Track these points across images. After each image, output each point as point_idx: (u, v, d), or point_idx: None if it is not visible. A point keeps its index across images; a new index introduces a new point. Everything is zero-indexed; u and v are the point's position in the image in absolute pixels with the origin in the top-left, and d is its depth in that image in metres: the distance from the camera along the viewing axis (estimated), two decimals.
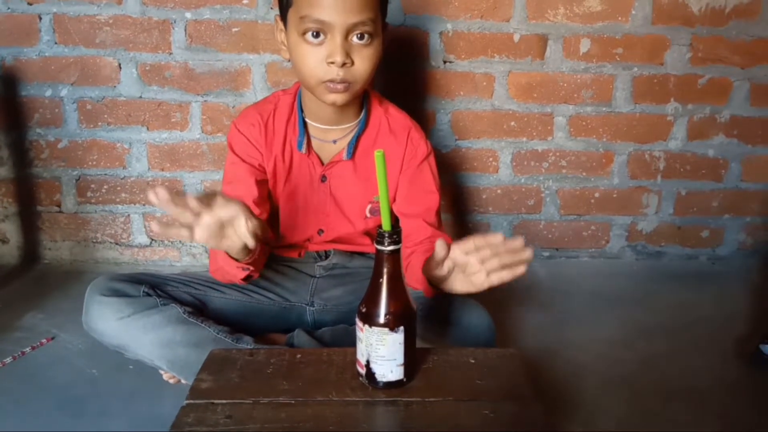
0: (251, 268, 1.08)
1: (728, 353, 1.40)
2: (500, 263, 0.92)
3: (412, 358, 0.84)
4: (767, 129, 1.80)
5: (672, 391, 1.26)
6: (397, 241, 0.80)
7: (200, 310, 1.21)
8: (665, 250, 1.89)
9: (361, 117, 1.23)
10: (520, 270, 0.94)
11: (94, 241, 1.78)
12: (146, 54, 1.65)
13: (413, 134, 1.26)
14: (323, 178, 1.24)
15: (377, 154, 0.78)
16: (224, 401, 0.81)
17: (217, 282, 1.25)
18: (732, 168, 1.82)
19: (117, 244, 1.79)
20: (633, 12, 1.68)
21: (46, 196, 1.74)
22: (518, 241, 0.93)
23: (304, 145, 1.21)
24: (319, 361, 0.90)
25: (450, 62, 1.70)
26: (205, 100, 1.69)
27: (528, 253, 0.93)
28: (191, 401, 0.81)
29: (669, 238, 1.88)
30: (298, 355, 0.92)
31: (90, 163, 1.72)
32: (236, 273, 1.10)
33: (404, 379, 0.83)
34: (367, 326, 0.81)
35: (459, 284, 0.97)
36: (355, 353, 0.84)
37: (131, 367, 1.27)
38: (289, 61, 1.16)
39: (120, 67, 1.66)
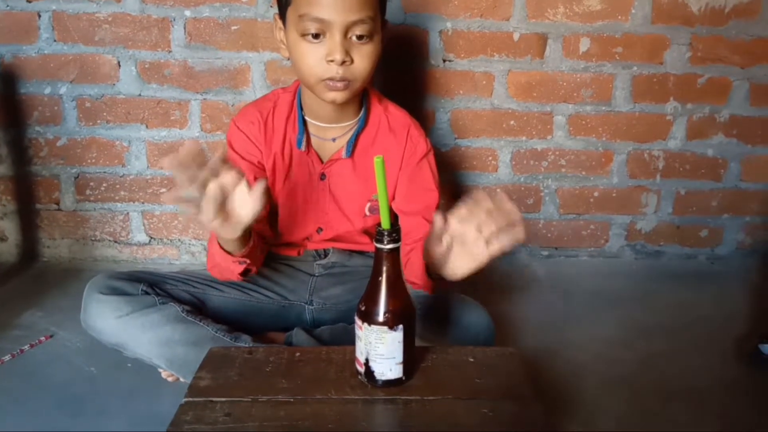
0: (247, 261, 1.09)
1: (727, 353, 1.40)
2: (497, 226, 0.85)
3: (411, 357, 0.84)
4: (767, 129, 1.80)
5: (671, 390, 1.26)
6: (397, 240, 0.80)
7: (199, 309, 1.21)
8: (664, 249, 1.89)
9: (360, 115, 1.23)
10: (520, 234, 0.86)
11: (93, 239, 1.78)
12: (145, 52, 1.65)
13: (412, 132, 1.26)
14: (322, 176, 1.24)
15: (376, 160, 0.79)
16: (223, 399, 0.81)
17: (216, 280, 1.25)
18: (731, 168, 1.82)
19: (116, 242, 1.78)
20: (633, 11, 1.68)
21: (45, 193, 1.74)
22: (507, 203, 0.86)
23: (304, 143, 1.21)
24: (318, 360, 0.90)
25: (450, 61, 1.70)
26: (204, 98, 1.69)
27: (518, 214, 0.86)
28: (190, 399, 0.81)
29: (668, 237, 1.88)
30: (297, 354, 0.92)
31: (89, 161, 1.72)
32: (233, 268, 1.10)
33: (403, 378, 0.83)
34: (366, 324, 0.81)
35: (459, 260, 0.90)
36: (354, 352, 0.84)
37: (130, 365, 1.27)
38: (288, 59, 1.16)
39: (119, 65, 1.66)
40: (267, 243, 1.25)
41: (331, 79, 1.09)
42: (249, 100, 1.53)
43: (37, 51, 1.64)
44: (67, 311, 1.48)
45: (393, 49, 1.60)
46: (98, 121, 1.69)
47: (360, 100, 1.23)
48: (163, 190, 1.74)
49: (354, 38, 1.08)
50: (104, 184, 1.74)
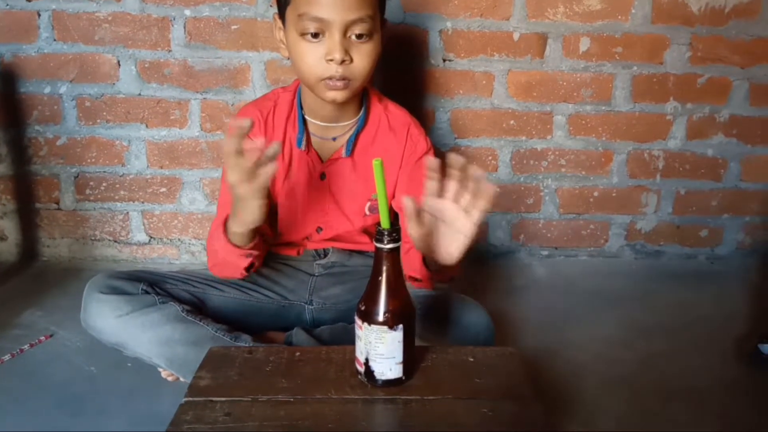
0: (254, 253, 1.10)
1: (727, 353, 1.40)
2: (471, 193, 0.86)
3: (411, 357, 0.84)
4: (766, 129, 1.80)
5: (671, 390, 1.26)
6: (397, 239, 0.80)
7: (199, 308, 1.21)
8: (664, 249, 1.89)
9: (360, 114, 1.23)
10: (490, 190, 0.86)
11: (93, 238, 1.78)
12: (145, 51, 1.65)
13: (412, 130, 1.26)
14: (322, 176, 1.24)
15: (375, 162, 0.79)
16: (223, 399, 0.81)
17: (216, 280, 1.25)
18: (731, 167, 1.82)
19: (116, 241, 1.78)
20: (633, 11, 1.68)
21: (44, 193, 1.74)
22: (468, 165, 0.86)
23: (304, 143, 1.21)
24: (318, 359, 0.90)
25: (449, 61, 1.70)
26: (204, 98, 1.68)
27: (480, 171, 0.86)
28: (190, 399, 0.81)
29: (668, 237, 1.88)
30: (297, 353, 0.92)
31: (89, 160, 1.72)
32: (239, 262, 1.11)
33: (403, 378, 0.83)
34: (366, 324, 0.81)
35: (449, 240, 0.90)
36: (354, 351, 0.84)
37: (130, 364, 1.27)
38: (288, 59, 1.16)
39: (119, 65, 1.66)
40: (267, 242, 1.25)
41: (330, 78, 1.09)
42: (249, 100, 1.53)
43: (37, 50, 1.63)
44: (66, 311, 1.48)
45: (393, 49, 1.60)
46: (98, 121, 1.69)
47: (360, 99, 1.23)
48: (163, 189, 1.74)
49: (353, 37, 1.08)
50: (104, 184, 1.74)
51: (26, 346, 1.35)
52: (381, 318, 0.80)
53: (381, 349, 0.81)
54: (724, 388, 1.28)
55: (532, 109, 1.75)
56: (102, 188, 1.74)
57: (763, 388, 1.28)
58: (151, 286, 1.18)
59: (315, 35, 1.07)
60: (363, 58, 1.10)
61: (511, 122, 1.76)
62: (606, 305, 1.61)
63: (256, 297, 1.26)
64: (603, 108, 1.76)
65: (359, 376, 0.84)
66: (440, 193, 0.88)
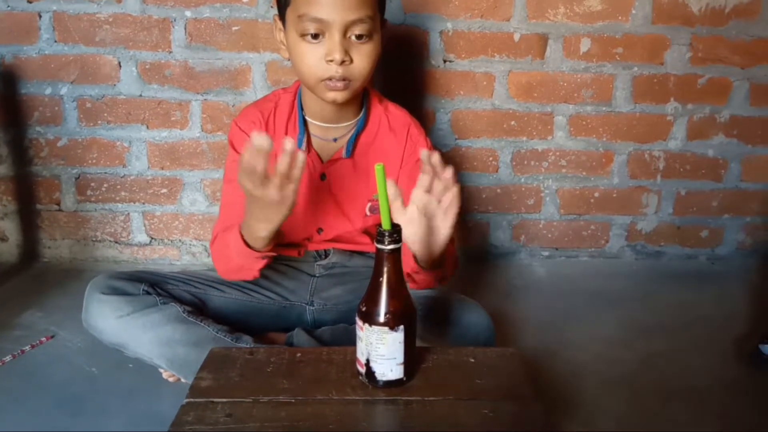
0: (272, 254, 1.09)
1: (727, 353, 1.40)
2: (451, 195, 0.92)
3: (411, 357, 0.84)
4: (767, 129, 1.80)
5: (671, 390, 1.27)
6: (398, 240, 0.81)
7: (200, 309, 1.21)
8: (665, 249, 1.89)
9: (360, 115, 1.23)
10: (456, 192, 0.93)
11: (94, 239, 1.78)
12: (146, 52, 1.65)
13: (413, 131, 1.26)
14: (323, 177, 1.24)
15: (377, 167, 0.80)
16: (224, 400, 0.81)
17: (217, 281, 1.25)
18: (731, 168, 1.82)
19: (116, 242, 1.79)
20: (633, 12, 1.68)
21: (45, 194, 1.74)
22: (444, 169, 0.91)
23: (304, 143, 1.21)
24: (319, 360, 0.90)
25: (450, 61, 1.70)
26: (205, 99, 1.69)
27: (450, 171, 0.92)
28: (191, 400, 0.81)
29: (668, 237, 1.88)
30: (298, 354, 0.92)
31: (90, 161, 1.72)
32: (256, 265, 1.10)
33: (404, 378, 0.83)
34: (367, 325, 0.81)
35: (432, 237, 0.96)
36: (354, 352, 0.84)
37: (131, 365, 1.27)
38: (288, 60, 1.16)
39: (120, 66, 1.66)
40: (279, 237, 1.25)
41: (330, 78, 1.09)
42: (250, 101, 1.53)
43: (38, 51, 1.64)
44: (67, 311, 1.48)
45: (393, 50, 1.61)
46: (99, 122, 1.69)
47: (360, 100, 1.23)
48: (164, 190, 1.74)
49: (353, 38, 1.08)
50: (105, 185, 1.74)
51: (27, 347, 1.35)
52: (382, 319, 0.80)
53: (382, 350, 0.81)
54: (724, 388, 1.28)
55: (533, 109, 1.75)
56: (103, 189, 1.74)
57: (763, 388, 1.28)
58: (152, 287, 1.19)
59: (315, 36, 1.08)
60: (363, 58, 1.10)
61: (512, 123, 1.76)
62: (606, 306, 1.61)
63: (257, 298, 1.27)
64: (603, 109, 1.76)
65: (360, 377, 0.84)
66: (428, 187, 0.93)
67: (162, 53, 1.65)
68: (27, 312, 1.51)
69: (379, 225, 0.81)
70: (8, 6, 1.60)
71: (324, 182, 1.24)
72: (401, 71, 1.71)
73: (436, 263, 1.02)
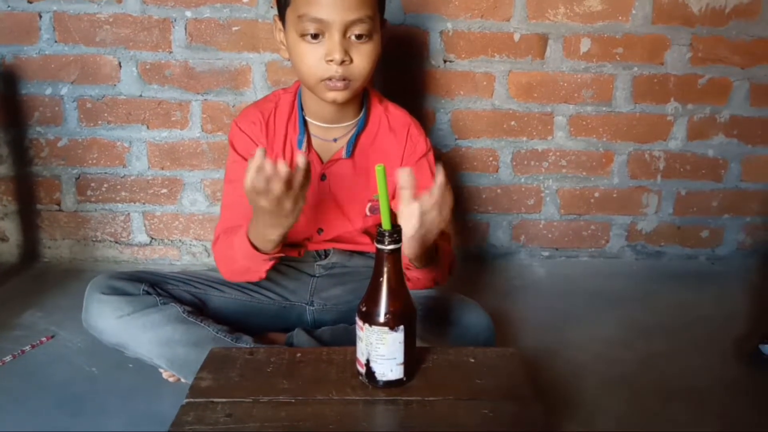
0: (280, 255, 1.10)
1: (728, 353, 1.40)
2: (448, 208, 0.96)
3: (411, 357, 0.84)
4: (767, 129, 1.80)
5: (671, 390, 1.27)
6: (398, 240, 0.81)
7: (200, 309, 1.21)
8: (665, 250, 1.89)
9: (360, 115, 1.23)
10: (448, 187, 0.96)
11: (94, 239, 1.78)
12: (146, 52, 1.65)
13: (412, 131, 1.26)
14: (323, 177, 1.24)
15: (378, 168, 0.80)
16: (224, 400, 0.81)
17: (217, 281, 1.25)
18: (732, 168, 1.82)
19: (117, 242, 1.79)
20: (633, 12, 1.68)
21: (45, 194, 1.74)
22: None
23: (304, 144, 1.21)
24: (319, 360, 0.90)
25: (450, 61, 1.70)
26: (205, 99, 1.69)
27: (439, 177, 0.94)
28: (191, 400, 0.81)
29: (669, 238, 1.88)
30: (298, 354, 0.92)
31: (90, 161, 1.72)
32: (263, 266, 1.11)
33: (404, 378, 0.84)
34: (367, 325, 0.81)
35: (416, 241, 0.97)
36: (354, 352, 0.85)
37: (131, 365, 1.27)
38: (288, 60, 1.16)
39: (120, 66, 1.66)
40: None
41: (330, 78, 1.09)
42: (250, 101, 1.53)
43: (38, 51, 1.64)
44: (67, 311, 1.48)
45: (393, 50, 1.61)
46: (99, 122, 1.69)
47: (360, 100, 1.23)
48: (164, 190, 1.74)
49: (353, 38, 1.08)
50: (105, 185, 1.74)
51: (27, 347, 1.35)
52: (382, 319, 0.80)
53: (382, 350, 0.81)
54: (724, 388, 1.28)
55: (533, 109, 1.75)
56: (103, 189, 1.74)
57: (763, 388, 1.28)
58: (153, 287, 1.19)
59: (315, 36, 1.08)
60: (363, 58, 1.10)
61: (512, 123, 1.76)
62: (606, 306, 1.61)
63: (257, 298, 1.27)
64: (604, 109, 1.76)
65: (360, 377, 0.84)
66: (435, 198, 0.93)
67: (162, 53, 1.65)
68: (27, 312, 1.51)
69: (379, 225, 0.81)
70: (8, 6, 1.60)
71: (324, 182, 1.24)
72: (401, 71, 1.71)
73: (426, 259, 1.02)
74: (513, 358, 0.92)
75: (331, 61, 1.07)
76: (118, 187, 1.74)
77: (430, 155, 1.27)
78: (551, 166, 1.80)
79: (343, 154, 1.22)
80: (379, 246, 0.81)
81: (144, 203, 1.75)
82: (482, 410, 0.80)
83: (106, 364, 1.29)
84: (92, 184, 1.74)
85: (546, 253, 1.88)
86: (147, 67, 1.66)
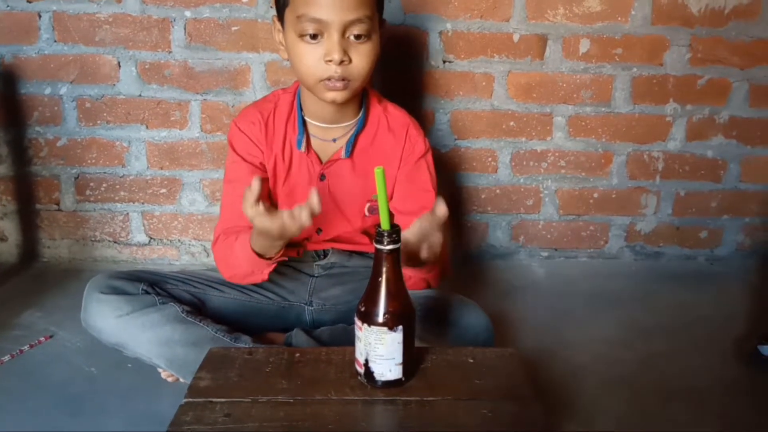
0: (283, 258, 1.10)
1: (727, 353, 1.40)
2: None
3: (410, 358, 0.84)
4: (766, 130, 1.80)
5: (671, 390, 1.27)
6: (397, 241, 0.81)
7: (199, 309, 1.21)
8: (664, 250, 1.89)
9: (360, 116, 1.23)
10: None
11: (93, 239, 1.78)
12: (146, 52, 1.65)
13: (411, 131, 1.26)
14: (322, 177, 1.24)
15: (377, 171, 0.80)
16: (223, 400, 0.81)
17: (216, 280, 1.25)
18: (731, 169, 1.82)
19: (116, 242, 1.79)
20: (632, 12, 1.68)
21: (45, 194, 1.74)
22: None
23: (304, 144, 1.21)
24: (318, 360, 0.90)
25: (449, 62, 1.70)
26: (204, 99, 1.69)
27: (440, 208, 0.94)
28: (190, 399, 0.81)
29: (668, 238, 1.88)
30: (297, 355, 0.92)
31: (89, 161, 1.72)
32: (266, 270, 1.11)
33: (403, 379, 0.84)
34: (366, 325, 0.81)
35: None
36: (353, 352, 0.85)
37: (130, 365, 1.27)
38: (287, 60, 1.16)
39: (119, 66, 1.66)
40: None
41: (329, 78, 1.09)
42: (249, 101, 1.53)
43: (38, 51, 1.64)
44: (66, 311, 1.48)
45: (393, 50, 1.61)
46: (98, 122, 1.69)
47: (359, 100, 1.23)
48: (163, 190, 1.74)
49: (352, 38, 1.08)
50: (104, 185, 1.74)
51: (26, 347, 1.35)
52: (381, 319, 0.80)
53: (381, 350, 0.81)
54: (724, 388, 1.28)
55: (532, 110, 1.75)
56: (102, 189, 1.74)
57: (763, 388, 1.28)
58: (152, 287, 1.19)
59: (314, 36, 1.08)
60: (362, 58, 1.10)
61: (511, 123, 1.76)
62: (606, 306, 1.61)
63: (256, 298, 1.27)
64: (603, 109, 1.76)
65: (359, 377, 0.84)
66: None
67: (161, 53, 1.65)
68: (26, 312, 1.51)
69: (378, 225, 0.81)
70: (8, 6, 1.60)
71: (323, 182, 1.24)
72: (401, 72, 1.71)
73: (417, 262, 1.02)
74: (512, 358, 0.92)
75: (330, 61, 1.08)
76: (117, 186, 1.74)
77: (429, 156, 1.27)
78: (550, 166, 1.80)
79: (342, 154, 1.22)
80: (378, 246, 0.80)
81: (143, 203, 1.75)
82: (481, 410, 0.80)
83: (105, 363, 1.29)
84: (91, 184, 1.73)
85: (545, 254, 1.88)
86: (146, 66, 1.66)
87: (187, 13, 1.62)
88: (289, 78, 1.64)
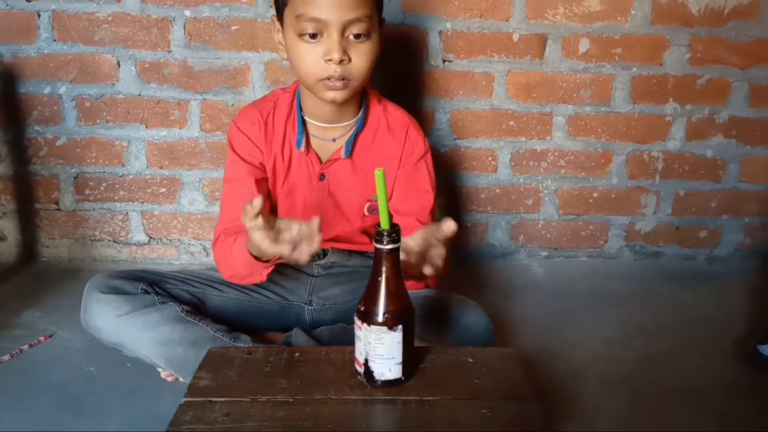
0: (281, 261, 1.09)
1: (726, 353, 1.40)
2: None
3: (410, 357, 0.84)
4: (766, 130, 1.80)
5: (671, 390, 1.27)
6: (396, 240, 0.81)
7: (198, 309, 1.21)
8: (663, 250, 1.89)
9: (359, 115, 1.23)
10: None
11: (92, 238, 1.78)
12: (145, 52, 1.65)
13: (411, 131, 1.26)
14: (321, 177, 1.24)
15: (377, 173, 0.80)
16: (222, 399, 0.81)
17: (216, 280, 1.25)
18: (730, 168, 1.82)
19: (115, 242, 1.78)
20: (632, 12, 1.68)
21: (44, 193, 1.74)
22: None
23: (303, 144, 1.21)
24: (318, 360, 0.90)
25: (449, 61, 1.70)
26: (204, 98, 1.69)
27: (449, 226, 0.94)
28: (189, 399, 0.81)
29: (667, 238, 1.88)
30: (297, 354, 0.92)
31: (88, 160, 1.72)
32: (264, 271, 1.11)
33: (402, 378, 0.84)
34: (365, 325, 0.81)
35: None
36: (353, 352, 0.84)
37: (129, 365, 1.27)
38: (287, 60, 1.16)
39: (119, 65, 1.66)
40: None
41: (329, 78, 1.09)
42: (249, 101, 1.53)
43: (37, 50, 1.64)
44: (66, 311, 1.48)
45: (392, 50, 1.61)
46: (98, 121, 1.69)
47: (359, 100, 1.23)
48: (163, 189, 1.74)
49: (351, 37, 1.08)
50: (104, 184, 1.74)
51: (26, 347, 1.35)
52: (380, 319, 0.80)
53: (380, 350, 0.81)
54: (724, 388, 1.28)
55: (532, 110, 1.75)
56: (101, 188, 1.74)
57: (763, 388, 1.28)
58: (151, 286, 1.19)
59: (313, 36, 1.08)
60: (361, 57, 1.10)
61: (511, 123, 1.76)
62: (605, 306, 1.61)
63: (255, 297, 1.27)
64: (602, 109, 1.76)
65: (358, 377, 0.84)
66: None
67: (161, 52, 1.65)
68: (26, 311, 1.50)
69: (378, 225, 0.81)
70: (7, 5, 1.60)
71: (323, 182, 1.24)
72: (400, 71, 1.71)
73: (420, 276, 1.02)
74: (512, 358, 0.92)
75: (330, 60, 1.07)
76: (117, 186, 1.74)
77: (429, 156, 1.27)
78: (550, 166, 1.80)
79: (342, 154, 1.22)
80: (378, 245, 0.80)
81: (142, 202, 1.75)
82: (481, 410, 0.80)
83: (104, 363, 1.29)
84: (91, 183, 1.73)
85: (545, 253, 1.88)
86: (146, 66, 1.66)
87: (187, 13, 1.62)
88: (288, 77, 1.64)
